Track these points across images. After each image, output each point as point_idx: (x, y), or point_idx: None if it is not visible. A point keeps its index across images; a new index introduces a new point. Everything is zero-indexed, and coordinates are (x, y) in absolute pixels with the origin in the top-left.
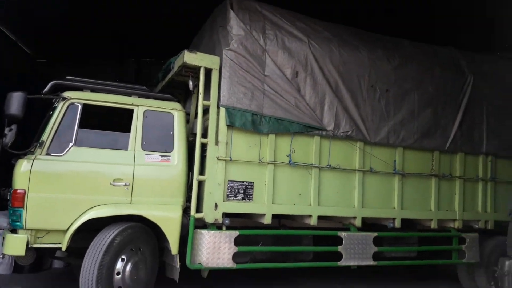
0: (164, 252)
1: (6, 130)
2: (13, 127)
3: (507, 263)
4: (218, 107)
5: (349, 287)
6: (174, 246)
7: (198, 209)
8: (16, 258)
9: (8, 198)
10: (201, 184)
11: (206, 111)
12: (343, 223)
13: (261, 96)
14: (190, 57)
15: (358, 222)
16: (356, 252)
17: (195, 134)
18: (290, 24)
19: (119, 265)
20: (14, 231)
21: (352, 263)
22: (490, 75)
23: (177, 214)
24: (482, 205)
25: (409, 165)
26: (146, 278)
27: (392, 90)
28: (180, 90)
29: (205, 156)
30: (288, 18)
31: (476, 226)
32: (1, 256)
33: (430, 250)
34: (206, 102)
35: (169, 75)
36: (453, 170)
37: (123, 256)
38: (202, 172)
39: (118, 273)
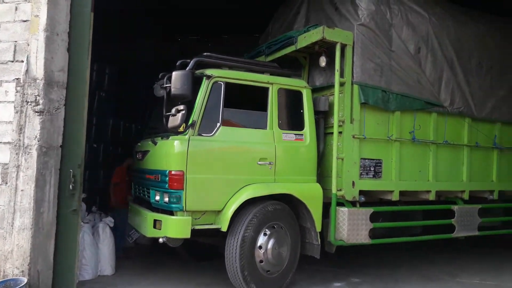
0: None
1: (174, 111)
2: (183, 107)
3: None
4: (351, 84)
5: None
6: (318, 223)
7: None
8: (169, 240)
9: (155, 179)
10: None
11: (324, 88)
12: (447, 197)
13: (389, 73)
14: (329, 33)
15: (466, 196)
16: (465, 223)
17: (317, 111)
18: None
19: (261, 239)
20: (170, 212)
21: (462, 234)
22: None
23: (320, 191)
24: None
25: (504, 139)
26: (288, 257)
27: (495, 67)
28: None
29: (329, 133)
30: None
31: None
32: (164, 239)
33: None
34: (341, 80)
35: (285, 50)
36: None
37: (266, 231)
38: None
39: (260, 247)
